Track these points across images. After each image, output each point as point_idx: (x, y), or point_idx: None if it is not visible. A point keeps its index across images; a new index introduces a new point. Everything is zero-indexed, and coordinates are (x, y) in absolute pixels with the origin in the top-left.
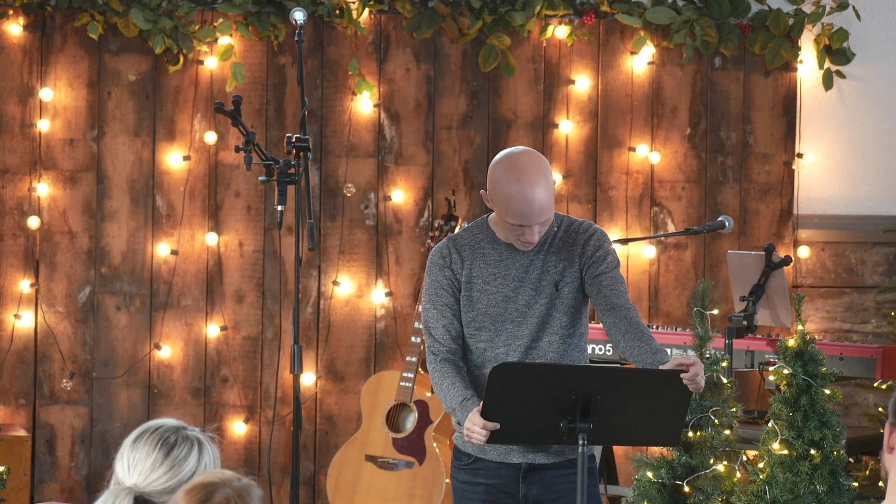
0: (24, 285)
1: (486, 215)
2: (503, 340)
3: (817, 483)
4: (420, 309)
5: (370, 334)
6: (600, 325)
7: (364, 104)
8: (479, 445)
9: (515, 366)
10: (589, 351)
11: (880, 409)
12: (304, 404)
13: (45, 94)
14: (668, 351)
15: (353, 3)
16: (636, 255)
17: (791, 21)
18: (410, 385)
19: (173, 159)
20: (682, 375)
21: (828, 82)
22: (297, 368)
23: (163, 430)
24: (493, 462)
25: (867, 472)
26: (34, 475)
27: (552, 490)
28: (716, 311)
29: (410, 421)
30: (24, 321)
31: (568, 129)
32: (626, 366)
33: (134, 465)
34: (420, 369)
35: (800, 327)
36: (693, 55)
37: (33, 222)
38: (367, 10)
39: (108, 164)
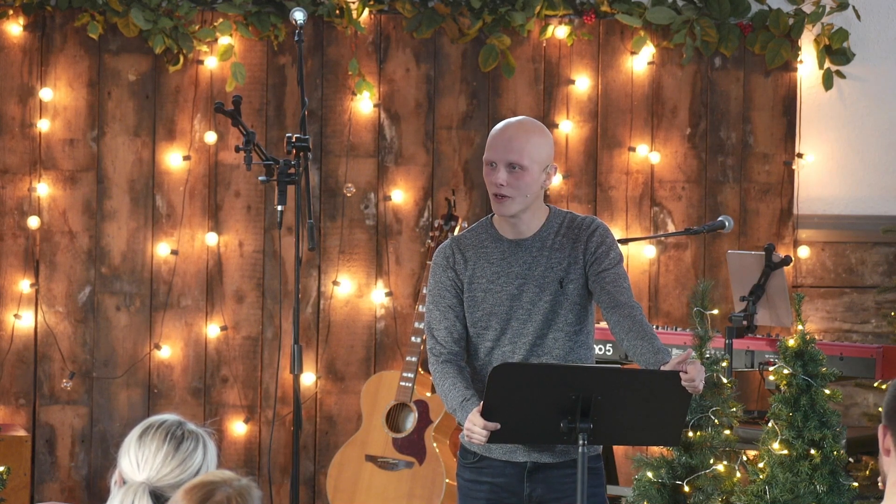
0: (24, 285)
1: (490, 214)
2: (509, 339)
3: (817, 483)
4: (420, 309)
5: (370, 334)
6: (599, 325)
7: (364, 104)
8: (485, 444)
9: (515, 366)
10: None
11: (880, 409)
12: (304, 404)
13: (45, 94)
14: (671, 350)
15: (353, 3)
16: (636, 255)
17: (791, 21)
18: (410, 385)
19: (173, 159)
20: (682, 377)
21: (828, 82)
22: (297, 368)
23: (168, 424)
24: (498, 461)
25: (867, 472)
26: (34, 475)
27: (556, 489)
28: (716, 311)
29: (410, 421)
30: (24, 321)
31: (568, 129)
32: (626, 366)
33: (144, 461)
34: (420, 369)
35: (800, 327)
36: (693, 55)
37: (33, 222)
38: (367, 10)
39: (108, 164)
